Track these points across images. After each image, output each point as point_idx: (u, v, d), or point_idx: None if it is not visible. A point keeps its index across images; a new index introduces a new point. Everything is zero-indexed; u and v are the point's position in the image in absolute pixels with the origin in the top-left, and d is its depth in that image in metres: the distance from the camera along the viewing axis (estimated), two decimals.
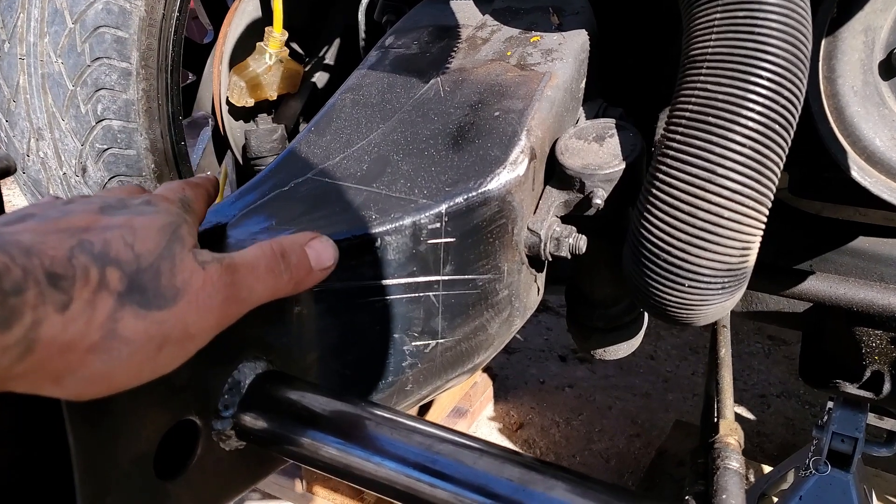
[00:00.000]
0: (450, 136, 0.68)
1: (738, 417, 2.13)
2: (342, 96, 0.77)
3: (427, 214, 0.63)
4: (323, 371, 0.65)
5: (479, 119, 0.68)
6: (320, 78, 1.59)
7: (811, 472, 1.22)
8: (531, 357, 2.47)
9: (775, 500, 1.42)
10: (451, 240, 0.65)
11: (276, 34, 1.41)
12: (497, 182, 0.64)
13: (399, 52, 0.80)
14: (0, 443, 0.55)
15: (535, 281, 0.74)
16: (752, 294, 1.11)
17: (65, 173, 1.23)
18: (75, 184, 1.23)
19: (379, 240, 0.63)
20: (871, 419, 1.22)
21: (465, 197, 0.63)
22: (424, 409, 1.81)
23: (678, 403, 2.22)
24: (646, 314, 0.88)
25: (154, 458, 0.51)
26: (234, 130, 1.51)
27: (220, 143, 1.65)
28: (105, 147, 1.17)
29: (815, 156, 0.77)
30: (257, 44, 1.43)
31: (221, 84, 1.45)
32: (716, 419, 0.71)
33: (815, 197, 0.96)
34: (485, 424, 2.06)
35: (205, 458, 0.55)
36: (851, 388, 0.94)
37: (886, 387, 0.91)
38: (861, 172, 0.73)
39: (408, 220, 0.63)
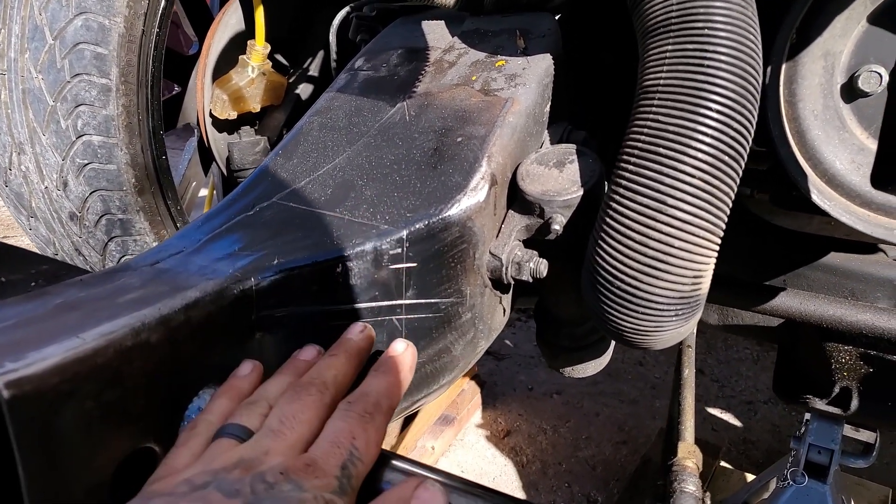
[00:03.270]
0: (413, 162, 0.69)
1: (725, 424, 2.14)
2: (310, 119, 0.78)
3: (388, 240, 0.64)
4: None
5: (441, 145, 0.69)
6: (304, 89, 1.60)
7: (789, 482, 1.23)
8: (520, 363, 2.47)
9: None
10: (413, 265, 0.65)
11: (259, 47, 1.41)
12: (458, 208, 0.64)
13: (367, 74, 0.81)
14: None
15: (501, 302, 0.75)
16: (728, 309, 1.12)
17: (46, 187, 1.24)
18: (57, 197, 1.24)
19: (340, 265, 0.64)
20: (848, 431, 1.23)
21: (426, 222, 0.64)
22: (411, 417, 1.82)
23: (665, 410, 2.23)
24: None
25: (111, 486, 0.51)
26: (218, 142, 1.51)
27: (207, 153, 1.66)
28: (86, 162, 1.18)
29: (781, 176, 0.78)
30: (240, 57, 1.43)
31: (205, 97, 1.46)
32: (675, 441, 0.72)
33: (796, 208, 0.97)
34: (472, 432, 2.06)
35: None
36: (821, 404, 0.95)
37: (854, 403, 0.92)
38: (821, 196, 0.74)
39: (369, 246, 0.64)
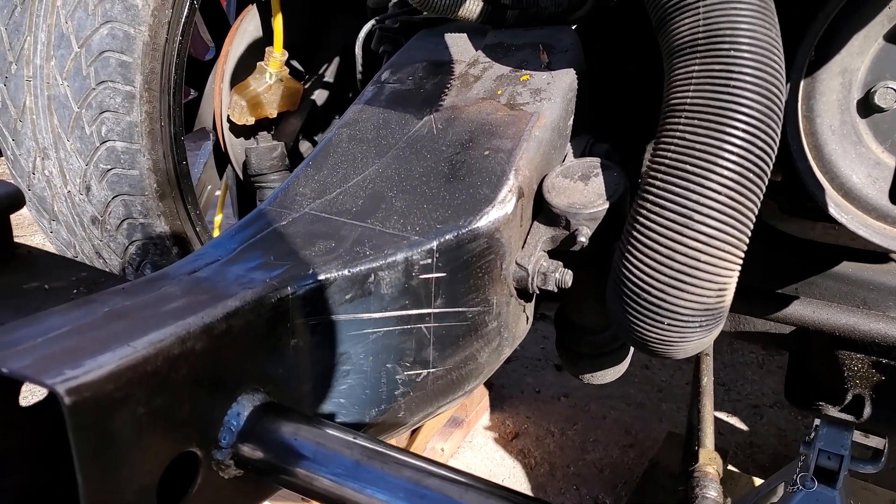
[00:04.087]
0: (442, 174, 0.71)
1: (731, 428, 2.16)
2: (339, 131, 0.80)
3: (419, 250, 0.66)
4: (318, 400, 0.68)
5: (469, 158, 0.71)
6: (320, 95, 1.62)
7: (798, 487, 1.25)
8: (528, 366, 2.49)
9: None
10: (442, 274, 0.67)
11: (277, 54, 1.44)
12: (486, 220, 0.66)
13: (394, 87, 0.83)
14: (12, 468, 0.58)
15: (524, 311, 0.77)
16: (741, 316, 1.14)
17: (69, 192, 1.26)
18: (79, 202, 1.26)
19: (373, 275, 0.66)
20: (857, 437, 1.24)
21: (456, 234, 0.66)
22: None
23: (672, 414, 2.24)
24: None
25: (158, 489, 0.53)
26: (235, 147, 1.53)
27: (221, 158, 1.68)
28: (109, 167, 1.20)
29: (797, 191, 0.80)
30: (258, 63, 1.45)
31: (223, 102, 1.48)
32: (696, 448, 0.74)
33: (805, 216, 0.99)
34: (480, 434, 2.08)
35: (205, 486, 0.58)
36: (833, 411, 0.97)
37: (867, 410, 0.93)
38: (838, 209, 0.76)
39: (400, 256, 0.66)
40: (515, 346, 0.78)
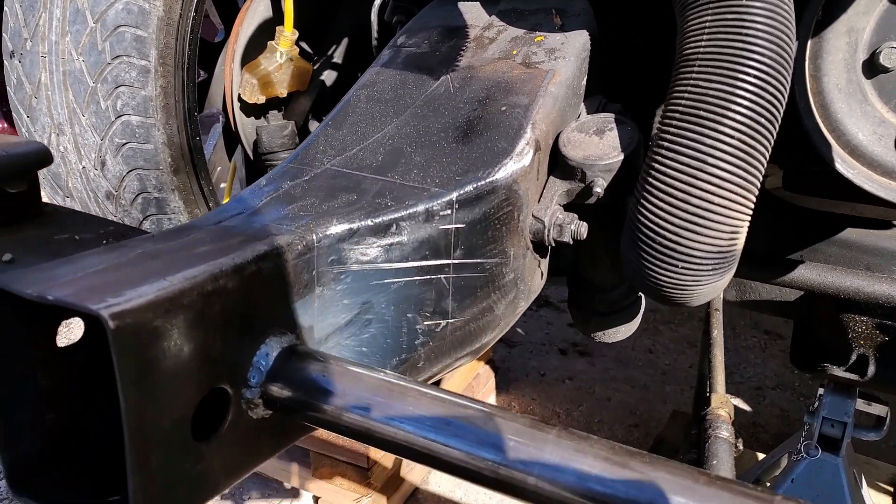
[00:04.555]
0: (459, 129, 0.73)
1: (735, 409, 2.18)
2: (357, 92, 0.82)
3: (439, 202, 0.68)
4: (341, 348, 0.70)
5: (486, 113, 0.73)
6: (329, 76, 1.64)
7: (802, 455, 1.27)
8: (532, 350, 2.51)
9: (768, 485, 1.46)
10: (461, 225, 0.69)
11: (287, 33, 1.45)
12: (504, 172, 0.68)
13: (410, 50, 0.85)
14: (48, 405, 0.60)
15: (539, 266, 0.79)
16: (746, 283, 1.16)
17: (84, 167, 1.28)
18: (94, 177, 1.28)
19: (395, 225, 0.68)
20: (860, 405, 1.27)
21: (475, 185, 0.68)
22: None
23: (675, 395, 2.27)
24: (643, 299, 0.93)
25: (192, 422, 0.55)
26: (246, 127, 1.55)
27: (231, 139, 1.70)
28: (124, 141, 1.22)
29: (803, 151, 0.82)
30: (269, 42, 1.47)
31: (234, 81, 1.50)
32: (708, 394, 0.76)
33: (807, 192, 1.01)
34: None
35: (234, 424, 0.60)
36: (839, 371, 0.99)
37: (871, 369, 0.96)
38: (845, 165, 0.78)
39: (421, 207, 0.68)
40: (531, 300, 0.80)
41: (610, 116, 0.73)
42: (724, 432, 0.65)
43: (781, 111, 0.61)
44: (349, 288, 0.68)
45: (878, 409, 1.27)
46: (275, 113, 1.54)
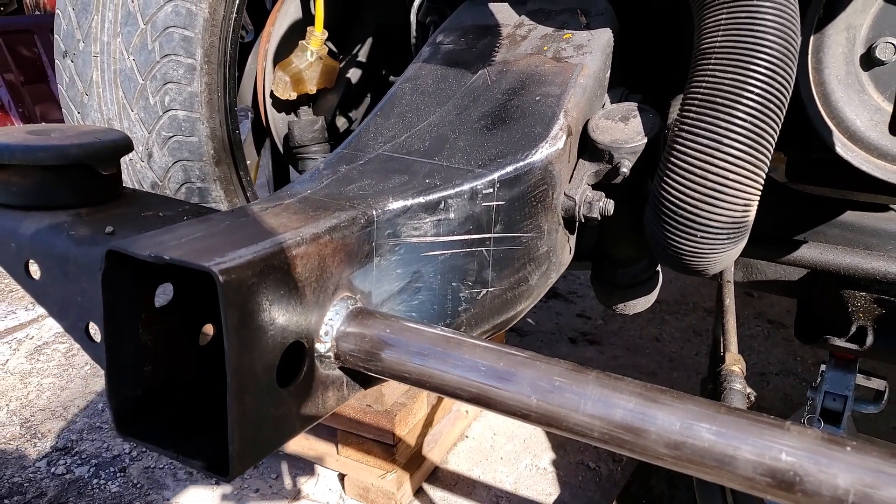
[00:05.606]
0: (498, 117, 0.81)
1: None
2: (402, 85, 0.91)
3: (483, 181, 0.76)
4: (393, 313, 0.79)
5: (522, 102, 0.82)
6: (354, 73, 1.72)
7: None
8: (542, 339, 2.60)
9: None
10: (502, 203, 0.78)
11: (318, 33, 1.54)
12: (540, 154, 0.77)
13: (449, 47, 0.94)
14: (147, 358, 0.69)
15: (568, 241, 0.87)
16: (753, 265, 1.25)
17: (130, 159, 1.36)
18: (140, 168, 1.36)
19: (443, 202, 0.76)
20: (860, 379, 1.35)
21: (514, 167, 0.77)
22: None
23: (682, 382, 2.35)
24: (660, 274, 1.01)
25: (277, 369, 0.64)
26: (277, 122, 1.64)
27: (258, 135, 1.79)
28: (170, 135, 1.31)
29: (806, 140, 0.91)
30: (300, 42, 1.56)
31: (266, 79, 1.58)
32: (722, 353, 0.84)
33: (808, 182, 1.09)
34: None
35: (309, 375, 0.68)
36: (840, 342, 1.07)
37: (870, 339, 1.04)
38: (844, 149, 0.86)
39: (467, 186, 0.76)
40: (560, 273, 0.89)
41: (633, 105, 0.82)
42: (738, 385, 0.73)
43: (788, 98, 0.69)
44: (402, 259, 0.77)
45: (877, 384, 1.35)
46: (305, 108, 1.63)
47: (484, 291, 0.83)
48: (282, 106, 1.62)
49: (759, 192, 0.70)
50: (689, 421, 0.55)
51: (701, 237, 0.71)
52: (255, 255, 0.59)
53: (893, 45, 0.84)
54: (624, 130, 0.79)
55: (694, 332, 2.65)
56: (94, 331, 0.71)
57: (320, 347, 0.68)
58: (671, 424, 0.55)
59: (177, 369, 0.73)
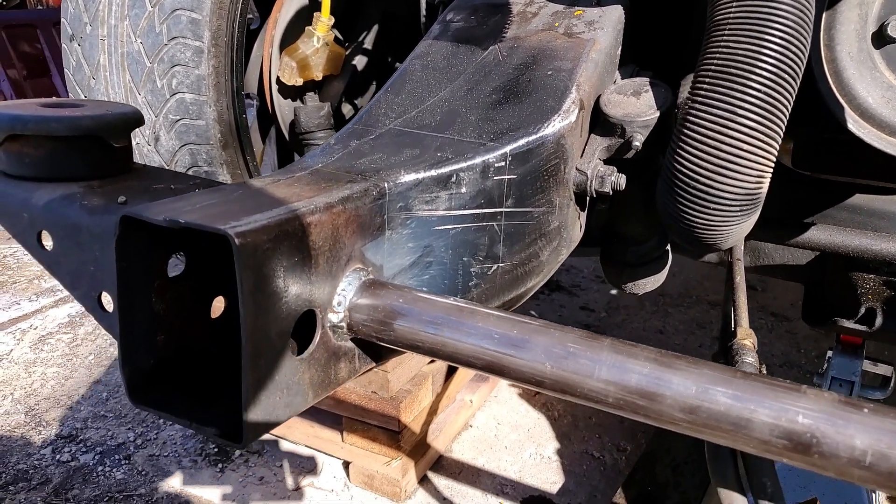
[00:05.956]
0: (510, 91, 0.81)
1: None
2: (412, 62, 0.90)
3: (495, 154, 0.76)
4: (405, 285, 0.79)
5: (534, 77, 0.82)
6: (360, 61, 1.72)
7: None
8: None
9: None
10: (514, 177, 0.78)
11: (324, 19, 1.54)
12: (553, 128, 0.77)
13: (459, 25, 0.93)
14: (160, 327, 0.69)
15: (579, 218, 0.87)
16: (760, 248, 1.25)
17: (137, 143, 1.36)
18: (147, 152, 1.36)
19: (455, 176, 0.76)
20: (867, 365, 1.35)
21: (527, 140, 0.76)
22: (451, 373, 1.94)
23: None
24: (669, 253, 1.01)
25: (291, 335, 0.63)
26: (283, 108, 1.64)
27: (264, 122, 1.78)
28: (178, 118, 1.30)
29: (817, 118, 0.90)
30: (306, 28, 1.56)
31: (272, 65, 1.58)
32: (733, 328, 0.84)
33: (814, 169, 1.09)
34: (505, 390, 2.19)
35: (322, 344, 0.68)
36: (849, 324, 1.07)
37: (878, 320, 1.04)
38: (856, 125, 0.86)
39: (478, 160, 0.76)
40: (571, 249, 0.89)
41: (645, 80, 0.82)
42: (750, 358, 0.73)
43: (802, 70, 0.69)
44: (413, 232, 0.77)
45: (883, 370, 1.35)
46: (311, 95, 1.63)
47: (495, 267, 0.82)
48: (288, 92, 1.62)
49: (773, 164, 0.70)
50: (704, 385, 0.55)
51: (714, 209, 0.71)
52: (269, 221, 0.59)
53: None
54: (636, 105, 0.79)
55: (697, 325, 2.64)
56: (107, 300, 0.70)
57: (333, 317, 0.68)
58: (687, 389, 0.55)
59: (190, 340, 0.73)
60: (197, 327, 0.74)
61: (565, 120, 0.77)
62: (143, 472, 1.81)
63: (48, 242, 0.73)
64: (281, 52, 1.57)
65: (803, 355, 2.44)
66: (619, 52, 0.88)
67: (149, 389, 0.68)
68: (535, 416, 2.07)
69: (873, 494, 1.43)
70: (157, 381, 0.69)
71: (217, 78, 1.31)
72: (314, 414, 1.80)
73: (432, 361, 1.87)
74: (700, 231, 0.74)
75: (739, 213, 0.71)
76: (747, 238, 1.24)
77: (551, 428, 2.02)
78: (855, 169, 1.10)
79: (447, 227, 0.79)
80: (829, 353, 1.37)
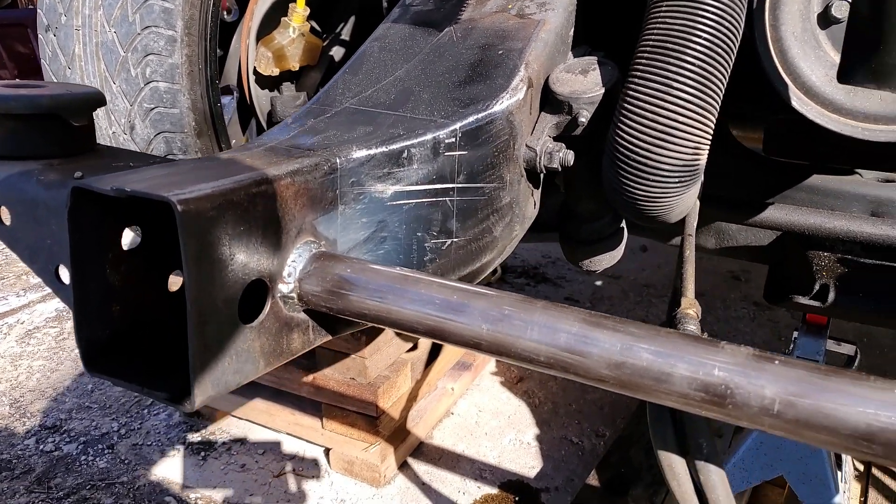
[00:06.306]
0: (462, 71, 0.84)
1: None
2: (371, 44, 0.93)
3: (445, 131, 0.78)
4: None
5: (485, 57, 0.84)
6: (337, 52, 1.74)
7: None
8: None
9: None
10: (464, 153, 0.80)
11: (300, 9, 1.56)
12: (501, 105, 0.79)
13: (418, 8, 0.96)
14: (115, 297, 0.71)
15: (532, 195, 0.89)
16: (724, 230, 1.27)
17: (114, 132, 1.38)
18: (123, 141, 1.38)
19: (406, 151, 0.78)
20: (831, 345, 1.37)
21: (476, 117, 0.79)
22: (432, 359, 1.97)
23: None
24: (625, 231, 1.03)
25: (239, 306, 0.66)
26: (260, 98, 1.66)
27: (244, 113, 1.81)
28: (152, 106, 1.33)
29: (763, 97, 0.93)
30: (282, 18, 1.58)
31: (249, 56, 1.60)
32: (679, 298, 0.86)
33: (784, 156, 1.12)
34: (488, 378, 2.21)
35: (274, 314, 0.70)
36: (804, 300, 1.10)
37: (831, 296, 1.06)
38: (800, 102, 0.88)
39: (429, 136, 0.78)
40: (525, 227, 0.91)
41: (594, 59, 0.84)
42: (692, 326, 0.75)
43: (736, 46, 0.71)
44: (367, 207, 0.79)
45: (846, 349, 1.37)
46: (288, 85, 1.65)
47: (448, 242, 0.85)
48: (265, 83, 1.64)
49: (710, 136, 0.73)
50: (629, 342, 0.57)
51: (653, 181, 0.73)
52: (213, 190, 0.61)
53: (849, 3, 0.86)
54: (583, 82, 0.81)
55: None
56: (64, 273, 0.73)
57: (283, 288, 0.70)
58: (612, 346, 0.58)
59: (146, 312, 0.75)
60: (155, 300, 0.76)
61: (513, 97, 0.79)
62: (126, 461, 1.83)
63: (7, 217, 0.75)
64: (258, 43, 1.59)
65: (784, 343, 2.47)
66: (571, 32, 0.90)
67: (105, 360, 0.70)
68: (517, 404, 2.10)
69: (839, 472, 1.46)
70: (113, 352, 0.71)
71: (191, 67, 1.33)
72: (295, 402, 1.83)
73: (411, 349, 1.89)
74: (642, 203, 0.76)
75: (678, 185, 0.74)
76: (712, 220, 1.26)
77: (532, 415, 2.04)
78: (819, 153, 1.13)
79: (400, 202, 0.81)
80: (795, 334, 1.39)
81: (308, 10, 1.57)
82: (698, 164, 0.73)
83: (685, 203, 0.78)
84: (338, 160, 0.75)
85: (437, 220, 0.83)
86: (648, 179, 0.73)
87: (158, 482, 1.76)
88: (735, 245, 1.27)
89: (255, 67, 1.59)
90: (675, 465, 0.72)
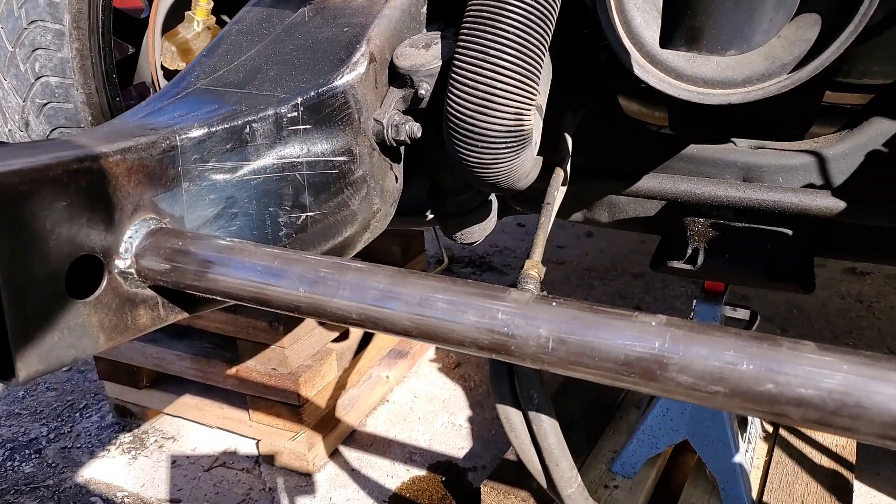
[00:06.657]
0: (309, 48, 0.85)
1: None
2: (230, 27, 0.94)
3: (286, 106, 0.80)
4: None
5: (332, 34, 0.86)
6: None
7: None
8: None
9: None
10: (308, 126, 0.82)
11: (203, 3, 1.56)
12: (342, 79, 0.81)
13: None
14: None
15: (392, 169, 0.91)
16: (615, 203, 1.31)
17: (10, 129, 1.37)
18: (20, 138, 1.37)
19: (248, 127, 0.80)
20: (727, 311, 1.42)
21: (317, 91, 0.80)
22: (362, 347, 1.98)
23: None
24: (493, 203, 1.06)
25: (67, 281, 0.66)
26: None
27: None
28: (45, 102, 1.32)
29: (609, 66, 0.96)
30: (186, 13, 1.58)
31: (156, 51, 1.60)
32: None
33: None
34: (426, 365, 2.23)
35: (113, 290, 0.71)
36: (678, 264, 1.14)
37: (700, 259, 1.10)
38: (642, 70, 0.92)
39: (271, 111, 0.80)
40: (388, 201, 0.93)
41: (437, 34, 0.86)
42: (530, 285, 0.77)
43: (555, 13, 0.74)
44: (213, 184, 0.80)
45: (741, 314, 1.42)
46: None
47: (303, 216, 0.86)
48: (172, 77, 1.64)
49: (532, 102, 0.75)
50: (427, 294, 0.60)
51: (482, 147, 0.76)
52: (27, 165, 0.62)
53: None
54: (424, 56, 0.83)
55: (620, 296, 2.72)
56: None
57: (120, 264, 0.71)
58: (412, 298, 0.60)
59: None
60: None
61: (354, 71, 0.81)
62: (54, 465, 1.82)
63: None
64: (163, 38, 1.59)
65: None
66: (423, 10, 0.92)
67: None
68: (452, 388, 2.12)
69: (744, 433, 1.51)
70: None
71: (82, 61, 1.33)
72: (224, 396, 1.83)
73: (339, 339, 1.91)
74: (476, 170, 0.79)
75: (507, 150, 0.76)
76: (603, 194, 1.30)
77: (466, 398, 2.07)
78: (689, 123, 1.18)
79: (248, 178, 0.82)
80: (695, 302, 1.44)
81: (212, 3, 1.57)
82: (523, 129, 0.76)
83: (522, 169, 0.80)
84: (177, 137, 0.76)
85: (288, 195, 0.84)
86: (477, 146, 0.76)
87: (85, 483, 1.75)
88: (626, 217, 1.30)
89: (161, 63, 1.59)
90: (511, 418, 0.75)
